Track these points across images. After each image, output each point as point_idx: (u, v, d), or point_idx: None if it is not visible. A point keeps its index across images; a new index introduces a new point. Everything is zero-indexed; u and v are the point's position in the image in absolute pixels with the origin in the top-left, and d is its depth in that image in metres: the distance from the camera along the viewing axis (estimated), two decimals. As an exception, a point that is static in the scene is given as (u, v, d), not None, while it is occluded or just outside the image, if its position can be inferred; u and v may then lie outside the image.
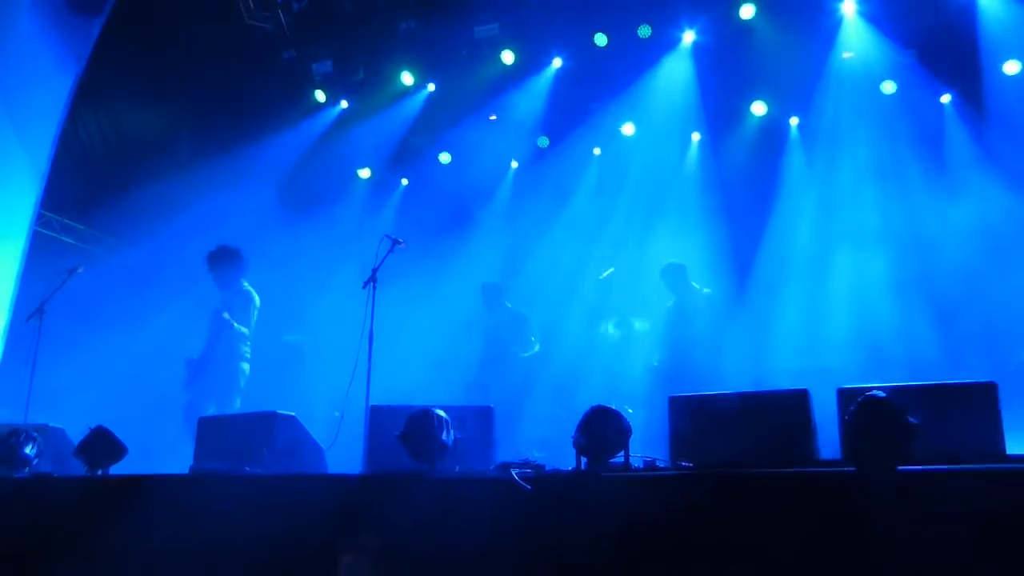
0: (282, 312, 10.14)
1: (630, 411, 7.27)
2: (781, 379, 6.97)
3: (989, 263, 8.37)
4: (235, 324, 7.38)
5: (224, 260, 7.73)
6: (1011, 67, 8.83)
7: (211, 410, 7.15)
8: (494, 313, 9.15)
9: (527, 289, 9.71)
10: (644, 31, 9.54)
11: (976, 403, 3.76)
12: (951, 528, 3.03)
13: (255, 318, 7.66)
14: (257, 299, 7.71)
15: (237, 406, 7.36)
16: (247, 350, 7.59)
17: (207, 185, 9.71)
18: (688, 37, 9.65)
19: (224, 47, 9.95)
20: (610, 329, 9.26)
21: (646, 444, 4.48)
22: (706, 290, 8.43)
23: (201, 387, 7.34)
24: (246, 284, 7.75)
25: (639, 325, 9.20)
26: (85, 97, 9.09)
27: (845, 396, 3.83)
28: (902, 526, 3.09)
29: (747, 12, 9.09)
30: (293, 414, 5.06)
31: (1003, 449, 3.64)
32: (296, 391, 9.36)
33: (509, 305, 9.20)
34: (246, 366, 7.57)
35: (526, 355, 8.84)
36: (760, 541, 3.28)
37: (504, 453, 4.69)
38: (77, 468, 5.22)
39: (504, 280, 9.47)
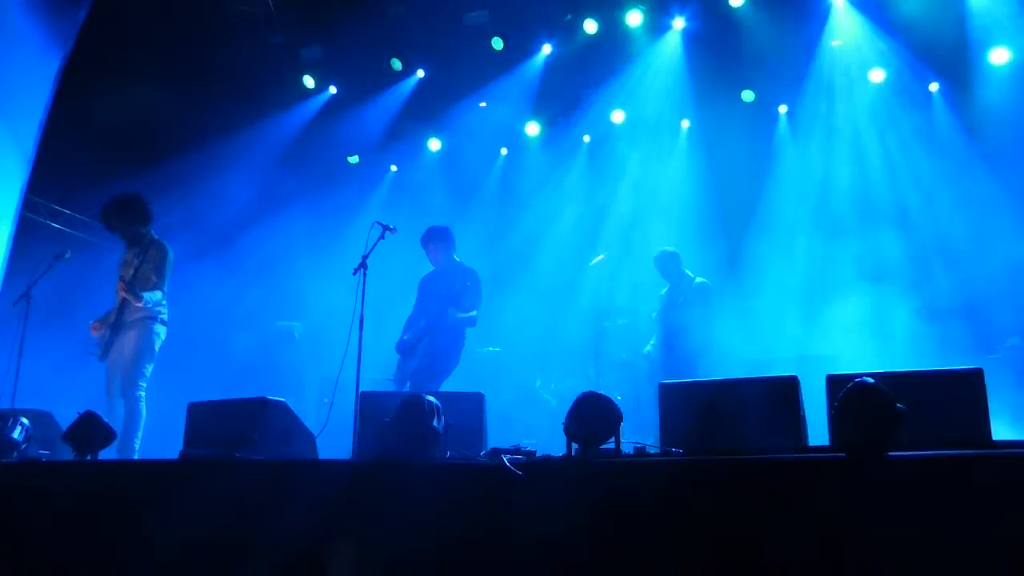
0: (273, 298, 10.14)
1: (619, 398, 7.30)
2: (771, 366, 7.00)
3: (977, 248, 8.44)
4: (136, 290, 6.72)
5: (120, 211, 6.95)
6: (998, 55, 8.87)
7: (119, 375, 6.76)
8: (439, 265, 7.54)
9: (515, 276, 9.72)
10: (634, 18, 9.54)
11: (963, 390, 3.79)
12: (939, 513, 3.06)
13: (171, 272, 6.99)
14: (171, 252, 6.99)
15: (149, 372, 6.82)
16: (163, 310, 6.93)
17: (195, 170, 9.68)
18: (678, 24, 9.67)
19: (211, 32, 9.88)
20: (604, 322, 9.26)
21: (638, 431, 4.50)
22: (699, 279, 8.43)
23: (114, 353, 6.85)
24: (155, 235, 7.06)
25: (624, 319, 9.22)
26: (71, 82, 9.02)
27: (834, 383, 3.86)
28: (890, 512, 3.12)
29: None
30: (283, 400, 5.06)
31: (989, 435, 3.68)
32: (287, 377, 9.37)
33: (457, 259, 7.56)
34: (162, 329, 6.92)
35: (463, 316, 7.12)
36: (749, 527, 3.31)
37: (494, 440, 4.71)
38: (65, 453, 5.21)
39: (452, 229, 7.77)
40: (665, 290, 8.56)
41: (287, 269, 10.21)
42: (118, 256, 7.24)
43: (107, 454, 5.32)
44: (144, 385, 6.76)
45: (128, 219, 6.97)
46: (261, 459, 4.61)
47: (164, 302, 6.93)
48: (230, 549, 4.15)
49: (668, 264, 8.48)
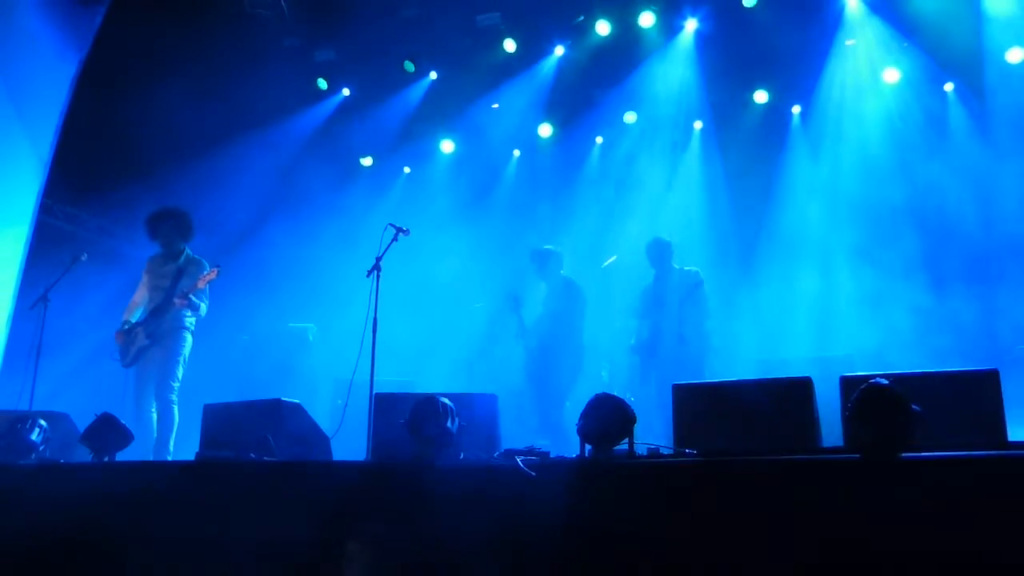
0: (287, 300, 10.17)
1: (632, 399, 7.30)
2: (785, 367, 6.98)
3: (993, 249, 8.39)
4: (193, 298, 6.99)
5: (170, 222, 7.25)
6: (1014, 55, 8.80)
7: (153, 382, 6.93)
8: (549, 281, 8.51)
9: (527, 277, 9.71)
10: (647, 19, 9.53)
11: (978, 391, 3.79)
12: (954, 515, 3.05)
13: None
14: (207, 267, 7.23)
15: (181, 376, 7.02)
16: (193, 321, 7.18)
17: (209, 172, 9.71)
18: (691, 25, 9.63)
19: (225, 35, 9.92)
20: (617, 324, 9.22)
21: (648, 430, 4.50)
22: (689, 267, 8.33)
23: (147, 359, 7.02)
24: (191, 252, 7.36)
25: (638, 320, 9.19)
26: (88, 85, 9.07)
27: (848, 384, 3.85)
28: (905, 513, 3.11)
29: (749, -1, 9.09)
30: (298, 402, 5.09)
31: (1005, 436, 3.67)
32: (301, 379, 9.39)
33: (563, 272, 8.54)
34: (191, 338, 7.16)
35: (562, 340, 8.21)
36: (763, 528, 3.31)
37: (508, 441, 4.72)
38: (83, 455, 5.25)
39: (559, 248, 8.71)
40: (651, 279, 8.43)
41: (301, 271, 10.24)
42: (139, 263, 7.46)
43: (125, 455, 5.36)
44: (177, 388, 6.96)
45: (175, 231, 7.28)
46: (276, 460, 4.64)
47: (197, 314, 7.19)
48: (245, 550, 4.17)
49: (661, 253, 8.30)
